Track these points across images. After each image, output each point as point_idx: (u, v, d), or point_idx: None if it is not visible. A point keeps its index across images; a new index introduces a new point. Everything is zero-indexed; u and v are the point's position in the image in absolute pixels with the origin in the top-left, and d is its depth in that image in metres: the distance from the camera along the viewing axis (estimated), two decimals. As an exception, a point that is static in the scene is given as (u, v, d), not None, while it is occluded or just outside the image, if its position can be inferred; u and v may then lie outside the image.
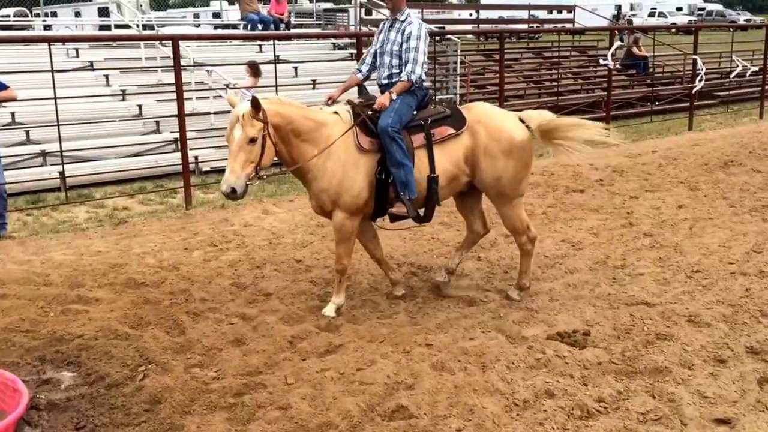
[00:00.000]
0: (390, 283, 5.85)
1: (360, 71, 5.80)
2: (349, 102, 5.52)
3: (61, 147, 8.11)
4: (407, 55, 5.48)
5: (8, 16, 26.09)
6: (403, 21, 5.58)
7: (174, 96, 8.72)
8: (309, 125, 5.18)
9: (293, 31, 17.78)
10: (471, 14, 30.55)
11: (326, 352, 4.80)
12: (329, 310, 5.43)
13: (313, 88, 14.32)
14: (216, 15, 26.83)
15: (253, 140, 4.86)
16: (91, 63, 12.90)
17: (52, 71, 7.87)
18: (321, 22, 22.25)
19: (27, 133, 10.40)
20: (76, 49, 13.14)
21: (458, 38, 16.62)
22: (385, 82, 5.63)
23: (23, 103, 9.13)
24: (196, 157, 10.58)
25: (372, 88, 6.01)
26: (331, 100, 5.63)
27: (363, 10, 19.00)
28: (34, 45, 12.30)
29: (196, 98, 12.05)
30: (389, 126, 5.19)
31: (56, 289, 5.94)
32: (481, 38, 22.99)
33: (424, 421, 3.89)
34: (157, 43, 13.40)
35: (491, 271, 6.36)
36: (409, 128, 5.36)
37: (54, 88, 7.84)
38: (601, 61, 13.55)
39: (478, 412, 3.96)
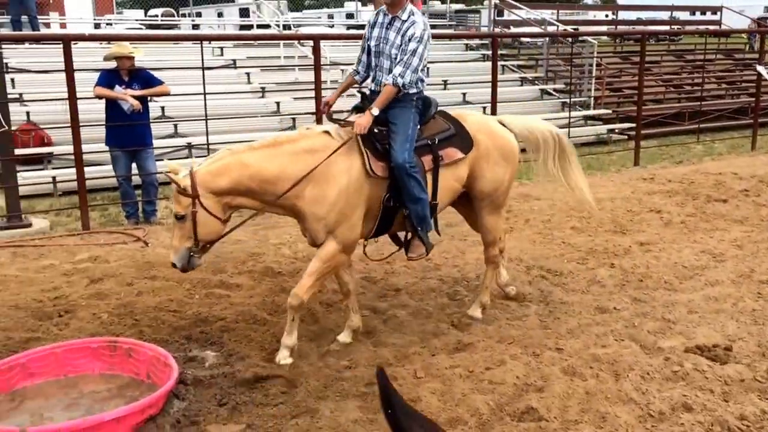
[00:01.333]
0: (346, 325, 5.03)
1: (357, 72, 5.10)
2: (331, 118, 4.95)
3: (207, 140, 8.59)
4: (402, 56, 4.74)
5: (156, 16, 27.84)
6: (405, 21, 4.80)
7: (309, 94, 9.02)
8: (281, 162, 4.50)
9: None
10: (607, 15, 29.64)
11: (455, 350, 4.84)
12: (283, 356, 4.62)
13: (444, 89, 14.42)
14: (349, 16, 27.47)
15: (179, 217, 4.32)
16: (234, 61, 13.56)
17: (203, 68, 8.36)
18: (453, 22, 22.30)
19: (175, 126, 11.07)
20: (221, 48, 13.86)
21: (594, 40, 16.18)
22: (378, 88, 4.90)
23: (171, 98, 9.72)
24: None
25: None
26: (328, 106, 5.03)
27: (495, 11, 18.86)
28: (181, 44, 13.11)
29: (331, 96, 12.39)
30: (407, 162, 4.61)
31: (200, 273, 6.28)
32: (617, 40, 22.27)
33: (555, 425, 3.85)
34: (295, 42, 13.89)
35: (625, 279, 6.17)
36: (416, 148, 4.78)
37: (204, 84, 8.31)
38: (758, 68, 12.75)
39: (610, 420, 3.87)
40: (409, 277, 6.25)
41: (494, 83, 10.30)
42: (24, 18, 13.42)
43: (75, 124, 7.52)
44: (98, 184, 9.16)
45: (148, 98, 8.02)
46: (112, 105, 7.77)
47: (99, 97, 7.74)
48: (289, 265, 6.52)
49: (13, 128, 8.17)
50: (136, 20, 24.53)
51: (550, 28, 17.04)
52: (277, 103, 12.42)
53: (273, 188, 4.45)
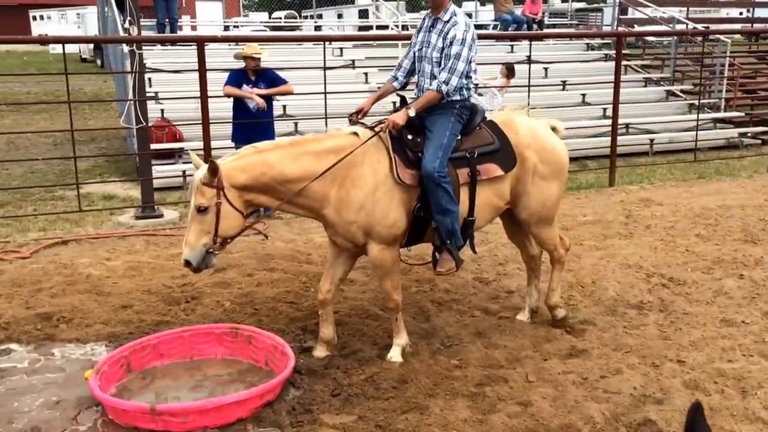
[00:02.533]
0: (319, 337, 4.85)
1: (396, 78, 4.94)
2: (351, 121, 4.74)
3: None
4: (445, 62, 4.56)
5: (280, 18, 28.76)
6: (447, 21, 4.61)
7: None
8: (304, 163, 4.37)
9: (546, 31, 17.59)
10: (741, 13, 28.04)
11: (569, 355, 4.75)
12: (395, 354, 4.68)
13: (563, 89, 14.12)
14: (468, 16, 27.35)
15: (202, 210, 4.20)
16: (353, 61, 13.81)
17: (324, 68, 8.58)
18: (574, 21, 21.78)
19: (296, 124, 11.41)
20: (341, 49, 14.15)
21: (727, 39, 15.36)
22: (421, 95, 4.73)
23: (292, 97, 10.00)
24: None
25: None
26: (362, 113, 4.77)
27: (619, 9, 18.26)
28: (303, 44, 13.48)
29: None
30: (436, 171, 4.39)
31: (316, 267, 6.48)
32: (752, 39, 21.05)
33: (673, 439, 3.72)
34: (414, 42, 13.99)
35: (755, 291, 5.85)
36: (453, 160, 4.56)
37: (325, 84, 8.53)
38: None
39: (734, 438, 3.69)
40: (522, 280, 6.16)
41: (617, 84, 9.99)
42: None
43: (205, 120, 7.92)
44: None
45: (272, 97, 8.31)
46: (239, 103, 8.11)
47: (228, 95, 8.10)
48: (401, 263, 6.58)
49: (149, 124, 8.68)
50: (261, 22, 25.44)
51: (679, 27, 16.31)
52: (394, 103, 12.50)
53: (296, 188, 4.35)
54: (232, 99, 8.15)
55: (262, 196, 4.35)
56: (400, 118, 4.47)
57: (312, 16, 26.58)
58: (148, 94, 9.65)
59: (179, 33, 14.73)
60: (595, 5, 26.23)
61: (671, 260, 6.65)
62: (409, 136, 4.54)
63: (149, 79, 11.41)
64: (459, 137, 4.65)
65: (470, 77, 4.69)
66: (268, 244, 7.12)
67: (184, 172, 10.02)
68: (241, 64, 8.20)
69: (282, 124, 11.23)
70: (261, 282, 6.10)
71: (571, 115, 12.97)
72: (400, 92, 4.92)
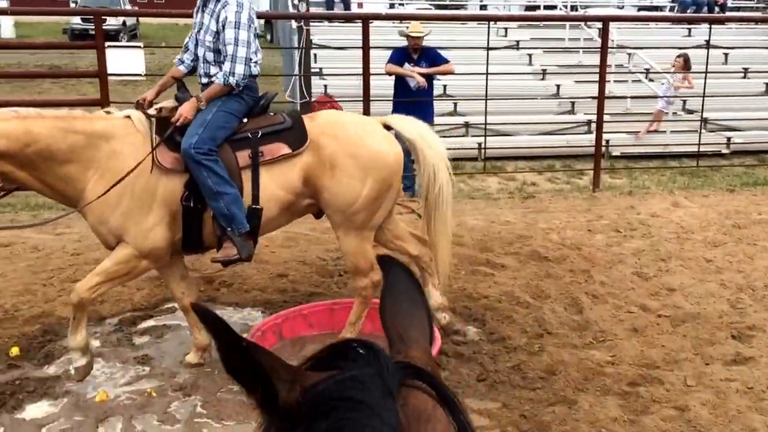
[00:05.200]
0: (193, 344, 4.46)
1: (182, 62, 4.51)
2: (138, 106, 4.28)
3: (486, 120, 8.69)
4: (224, 48, 4.20)
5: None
6: (218, 1, 4.25)
7: (592, 78, 8.71)
8: (74, 141, 3.92)
9: (728, 14, 16.35)
10: None
11: (733, 362, 4.42)
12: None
13: (744, 77, 13.09)
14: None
15: None
16: (517, 42, 13.52)
17: (488, 48, 8.46)
18: (761, 4, 20.09)
19: (455, 105, 11.37)
20: (505, 29, 13.89)
21: None
22: (204, 81, 4.38)
23: (453, 77, 9.95)
24: (607, 141, 10.46)
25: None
26: (147, 103, 4.28)
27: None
28: (467, 24, 13.36)
29: (614, 81, 11.87)
30: (192, 147, 3.96)
31: (468, 250, 6.43)
32: None
33: None
34: (582, 24, 13.48)
35: None
36: (232, 142, 4.19)
37: (487, 64, 8.41)
38: None
39: None
40: (686, 278, 5.81)
41: (809, 72, 9.10)
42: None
43: (366, 97, 8.05)
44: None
45: (433, 76, 8.31)
46: (400, 81, 8.17)
47: (389, 73, 8.18)
48: (556, 251, 6.41)
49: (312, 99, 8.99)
50: (426, 0, 25.48)
51: None
52: (558, 86, 12.16)
53: (59, 170, 3.93)
54: (393, 77, 8.23)
55: (19, 171, 3.88)
56: (190, 110, 4.12)
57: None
58: (312, 70, 10.00)
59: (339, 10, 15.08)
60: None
61: None
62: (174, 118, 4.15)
63: (315, 55, 11.77)
64: (239, 118, 4.27)
65: (252, 58, 4.32)
66: (420, 223, 7.14)
67: (343, 147, 10.26)
68: (404, 42, 8.26)
69: (441, 103, 11.22)
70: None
71: (752, 105, 12.00)
72: (179, 78, 4.50)
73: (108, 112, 4.24)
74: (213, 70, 4.28)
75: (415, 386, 0.93)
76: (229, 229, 4.11)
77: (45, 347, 4.59)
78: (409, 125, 4.57)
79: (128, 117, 4.14)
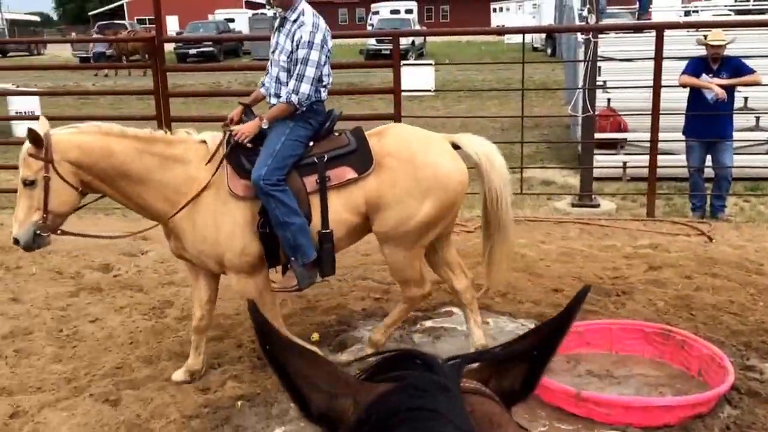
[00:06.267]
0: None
1: (263, 85, 4.46)
2: (225, 126, 4.33)
3: (793, 136, 7.77)
4: (294, 68, 4.15)
5: (748, 0, 26.09)
6: (294, 21, 4.21)
7: None
8: (148, 164, 3.99)
9: None
10: None
11: None
12: (178, 374, 4.38)
13: None
14: None
15: (29, 183, 3.85)
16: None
17: (802, 57, 7.53)
18: None
19: (757, 119, 10.30)
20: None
21: None
22: (273, 102, 4.30)
23: (757, 88, 9.02)
24: None
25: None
26: (233, 124, 4.32)
27: None
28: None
29: None
30: (262, 179, 3.96)
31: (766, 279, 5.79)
32: None
33: None
34: None
35: None
36: (300, 167, 4.14)
37: (800, 74, 7.51)
38: None
39: None
40: None
41: None
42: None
43: (655, 111, 7.62)
44: (668, 173, 9.11)
45: (735, 88, 7.62)
46: (696, 94, 7.62)
47: (684, 85, 7.68)
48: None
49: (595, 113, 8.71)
50: (726, 6, 23.47)
51: None
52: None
53: (135, 189, 4.06)
54: (687, 89, 7.70)
55: (99, 182, 4.04)
56: (250, 128, 4.15)
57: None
58: (597, 83, 9.66)
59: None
60: None
61: None
62: (249, 145, 4.15)
63: (599, 68, 11.40)
64: (306, 143, 4.22)
65: (323, 81, 4.29)
66: (712, 247, 6.59)
67: (624, 163, 9.84)
68: (700, 51, 7.68)
69: (741, 117, 10.25)
70: (700, 286, 5.67)
71: None
72: (243, 100, 4.52)
73: (188, 133, 4.36)
74: (283, 90, 4.28)
75: (478, 392, 0.95)
76: (293, 258, 4.19)
77: (339, 336, 5.00)
78: (477, 145, 4.41)
79: (204, 141, 4.25)
